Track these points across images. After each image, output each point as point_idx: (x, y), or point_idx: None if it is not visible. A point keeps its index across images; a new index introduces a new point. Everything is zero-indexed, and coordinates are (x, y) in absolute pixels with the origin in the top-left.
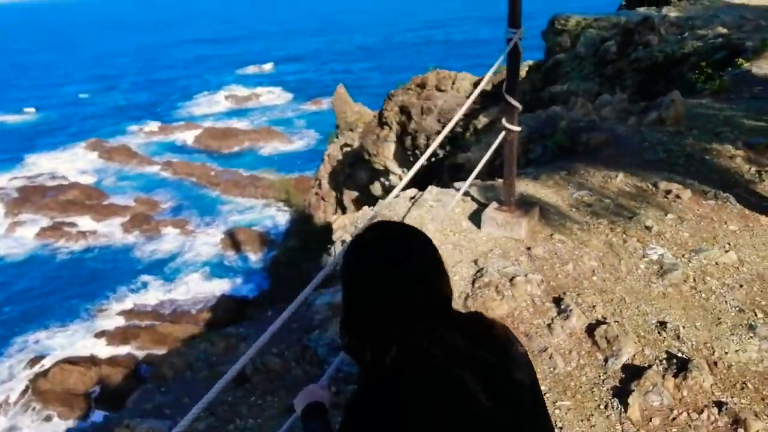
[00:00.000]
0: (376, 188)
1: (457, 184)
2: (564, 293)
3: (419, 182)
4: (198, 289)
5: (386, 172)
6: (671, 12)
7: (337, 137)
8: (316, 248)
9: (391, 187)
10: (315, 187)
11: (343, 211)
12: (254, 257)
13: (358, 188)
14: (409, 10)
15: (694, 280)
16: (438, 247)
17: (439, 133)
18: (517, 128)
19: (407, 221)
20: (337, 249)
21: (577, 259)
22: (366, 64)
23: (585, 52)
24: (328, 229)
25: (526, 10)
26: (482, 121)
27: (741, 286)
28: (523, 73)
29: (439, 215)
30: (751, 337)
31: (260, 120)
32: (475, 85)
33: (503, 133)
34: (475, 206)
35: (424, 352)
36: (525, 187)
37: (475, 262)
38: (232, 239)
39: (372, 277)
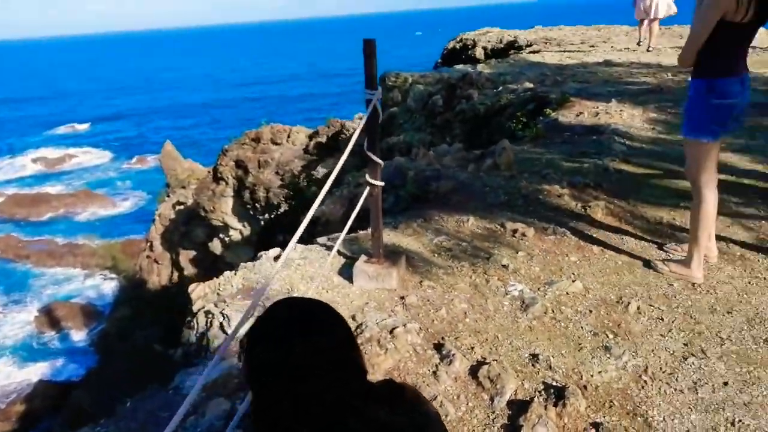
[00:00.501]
0: (216, 245)
1: (320, 240)
2: (443, 338)
3: (263, 239)
4: (7, 378)
5: (225, 227)
6: (485, 69)
7: (169, 196)
8: (152, 316)
9: (232, 243)
10: (146, 249)
11: (180, 272)
12: (77, 334)
13: (196, 247)
14: (236, 67)
15: (552, 311)
16: None
17: (281, 186)
18: (381, 183)
19: (276, 282)
20: (200, 321)
21: (449, 303)
22: (194, 120)
23: (415, 106)
24: (165, 294)
25: (351, 66)
26: (320, 171)
27: (590, 311)
28: (356, 124)
29: (309, 273)
30: (608, 357)
31: (77, 183)
32: (311, 137)
33: (367, 188)
34: (342, 260)
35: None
36: (387, 237)
37: (353, 317)
38: (49, 316)
39: (286, 359)
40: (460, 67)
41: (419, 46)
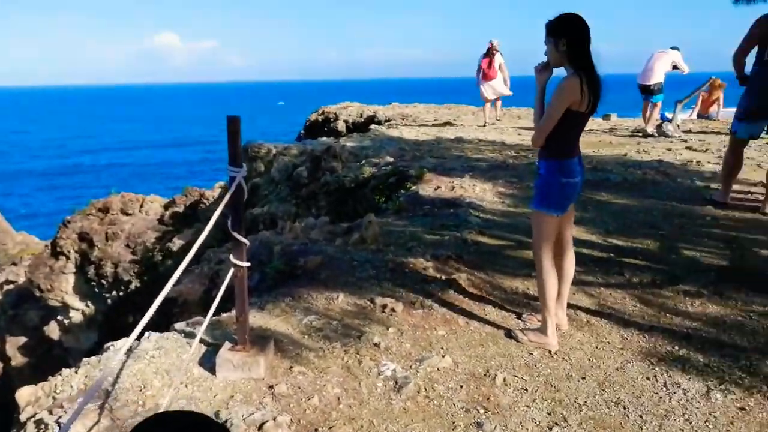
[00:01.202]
0: (52, 329)
1: (178, 326)
2: (316, 430)
3: (110, 320)
4: None
5: (65, 308)
6: (348, 142)
7: None
8: None
9: (73, 326)
10: None
11: (6, 363)
12: None
13: (27, 332)
14: (82, 132)
15: (425, 389)
16: (169, 405)
17: (132, 260)
18: (247, 264)
19: (126, 378)
20: None
21: (321, 390)
22: (31, 188)
23: (279, 177)
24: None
25: (209, 133)
26: (177, 243)
27: (461, 386)
28: (216, 193)
29: (165, 366)
30: None
31: None
32: (167, 207)
33: (232, 269)
34: (204, 349)
35: None
36: (253, 319)
37: (217, 414)
38: None
39: None
40: (323, 139)
41: (282, 117)
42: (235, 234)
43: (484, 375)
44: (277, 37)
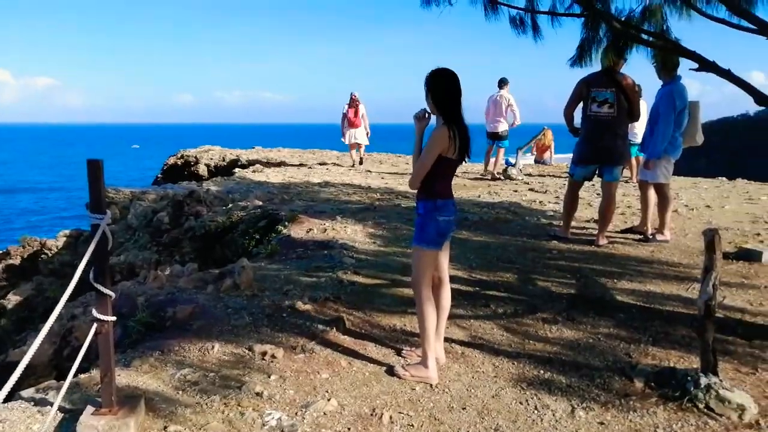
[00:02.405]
0: None
1: (25, 393)
2: None
3: None
4: None
5: None
6: (212, 186)
7: None
8: None
9: None
10: None
11: None
12: None
13: None
14: None
15: None
16: None
17: None
18: (113, 318)
19: None
20: None
21: None
22: None
23: (138, 223)
24: None
25: (48, 179)
26: (13, 299)
27: (349, 429)
28: (60, 242)
29: None
30: None
31: None
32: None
33: (95, 325)
34: (60, 416)
35: None
36: (118, 378)
37: None
38: None
39: None
40: (186, 183)
41: (136, 161)
42: (99, 286)
43: (371, 414)
44: (125, 78)
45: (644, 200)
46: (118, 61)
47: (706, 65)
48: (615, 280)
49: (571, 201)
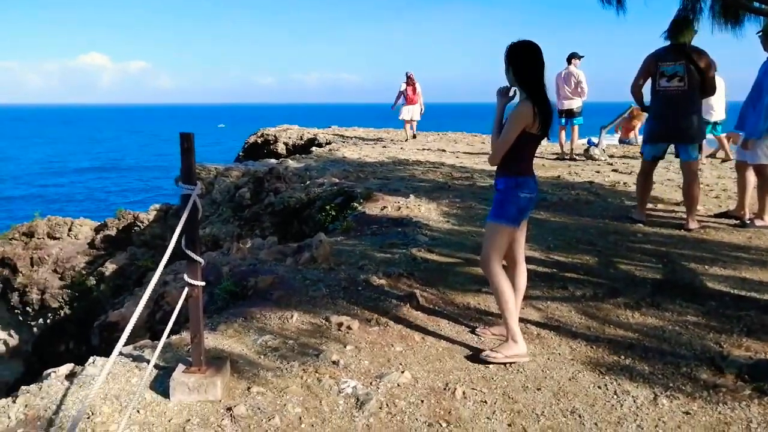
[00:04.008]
0: None
1: (125, 350)
2: None
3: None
4: None
5: None
6: (291, 163)
7: None
8: None
9: None
10: None
11: None
12: None
13: None
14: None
15: (387, 405)
16: None
17: (61, 286)
18: (202, 283)
19: (71, 406)
20: None
21: (281, 410)
22: None
23: (221, 198)
24: None
25: (140, 158)
26: (110, 267)
27: (422, 401)
28: (151, 216)
29: (114, 392)
30: None
31: None
32: (98, 230)
33: (186, 289)
34: (155, 372)
35: None
36: (206, 340)
37: None
38: None
39: None
40: (266, 161)
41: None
42: (190, 253)
43: (444, 389)
44: (211, 60)
45: (741, 182)
46: (204, 44)
47: None
48: (706, 266)
49: (644, 182)
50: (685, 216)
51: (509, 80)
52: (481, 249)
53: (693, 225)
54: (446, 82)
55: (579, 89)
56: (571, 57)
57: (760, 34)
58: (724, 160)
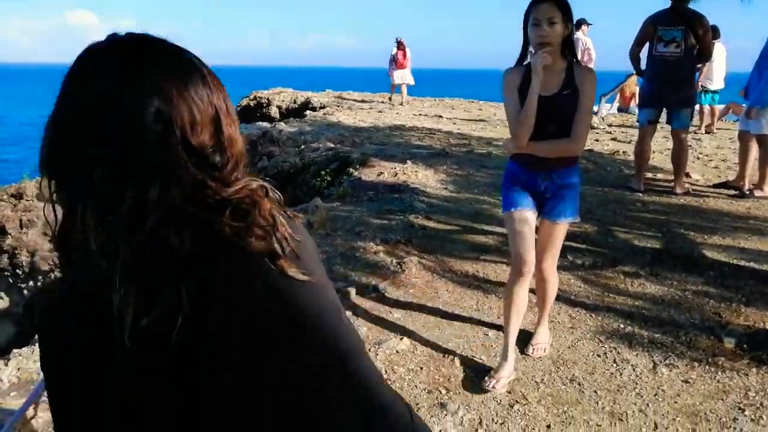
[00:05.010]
0: None
1: None
2: None
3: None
4: None
5: None
6: (285, 127)
7: None
8: None
9: None
10: None
11: None
12: None
13: None
14: None
15: (386, 372)
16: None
17: (50, 249)
18: None
19: None
20: None
21: None
22: None
23: None
24: None
25: None
26: None
27: (421, 368)
28: None
29: None
30: (445, 415)
31: None
32: None
33: None
34: None
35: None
36: None
37: None
38: None
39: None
40: (260, 124)
41: None
42: None
43: (443, 356)
44: (202, 21)
45: (743, 152)
46: (194, 3)
47: None
48: (705, 236)
49: (642, 150)
50: (695, 188)
51: (555, 36)
52: (546, 257)
53: (679, 190)
54: (443, 48)
55: (587, 56)
56: (580, 23)
57: None
58: (707, 131)
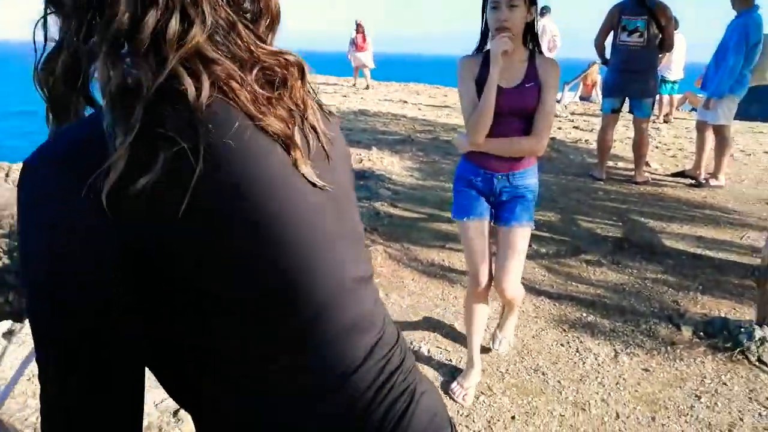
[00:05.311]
0: None
1: None
2: None
3: None
4: None
5: None
6: None
7: None
8: None
9: None
10: None
11: None
12: None
13: None
14: None
15: None
16: None
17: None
18: None
19: (4, 369)
20: None
21: None
22: None
23: None
24: None
25: None
26: None
27: None
28: None
29: None
30: None
31: None
32: None
33: None
34: None
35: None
36: None
37: None
38: None
39: None
40: None
41: None
42: None
43: (409, 347)
44: None
45: (700, 142)
46: None
47: None
48: (664, 225)
49: (604, 139)
50: (654, 176)
51: (517, 23)
52: (507, 269)
53: (640, 179)
54: (406, 34)
55: (552, 44)
56: (542, 10)
57: None
58: (665, 121)
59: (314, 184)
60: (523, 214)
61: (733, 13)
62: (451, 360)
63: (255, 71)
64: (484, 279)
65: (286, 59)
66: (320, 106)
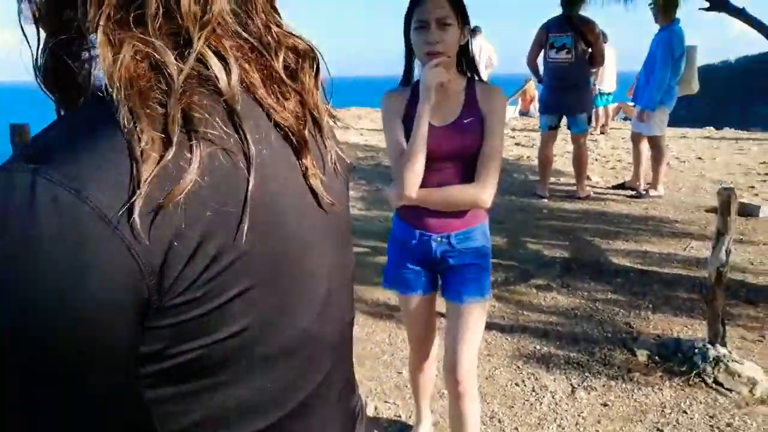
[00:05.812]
0: None
1: None
2: None
3: None
4: None
5: None
6: None
7: None
8: None
9: None
10: None
11: None
12: None
13: None
14: None
15: None
16: None
17: None
18: None
19: None
20: None
21: None
22: None
23: None
24: None
25: None
26: None
27: None
28: None
29: None
30: None
31: None
32: None
33: None
34: None
35: None
36: None
37: None
38: None
39: None
40: None
41: None
42: None
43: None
44: None
45: (637, 154)
46: None
47: (716, 4)
48: (609, 241)
49: (545, 156)
50: (598, 191)
51: (452, 46)
52: (459, 354)
53: (582, 194)
54: (351, 53)
55: (488, 62)
56: (473, 31)
57: (652, 6)
58: (602, 132)
59: (320, 205)
60: (473, 286)
61: None
62: (400, 416)
63: (270, 54)
64: (426, 356)
65: (302, 48)
66: (331, 114)
